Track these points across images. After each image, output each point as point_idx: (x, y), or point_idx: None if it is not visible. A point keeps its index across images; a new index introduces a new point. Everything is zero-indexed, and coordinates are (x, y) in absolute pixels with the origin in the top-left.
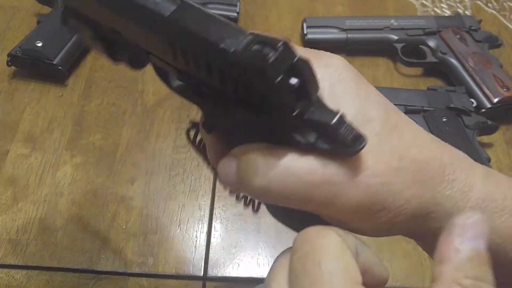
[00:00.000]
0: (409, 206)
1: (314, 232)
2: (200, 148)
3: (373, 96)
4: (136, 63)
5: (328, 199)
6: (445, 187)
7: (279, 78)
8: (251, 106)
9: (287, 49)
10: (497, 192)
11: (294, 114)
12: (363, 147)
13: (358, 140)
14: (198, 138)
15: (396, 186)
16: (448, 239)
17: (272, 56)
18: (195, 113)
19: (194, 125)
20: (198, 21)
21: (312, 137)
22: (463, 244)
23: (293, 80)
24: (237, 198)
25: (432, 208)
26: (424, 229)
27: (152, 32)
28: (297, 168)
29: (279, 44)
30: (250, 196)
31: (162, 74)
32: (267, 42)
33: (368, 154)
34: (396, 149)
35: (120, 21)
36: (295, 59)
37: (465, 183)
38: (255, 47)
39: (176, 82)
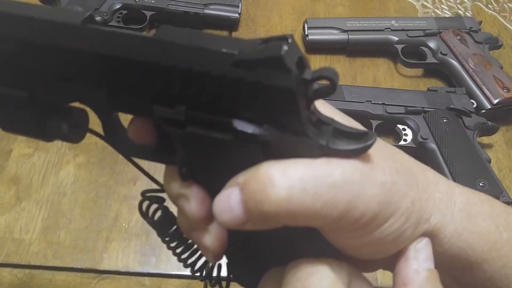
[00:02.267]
0: (415, 209)
1: (306, 268)
2: (155, 221)
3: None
4: (76, 131)
5: (351, 201)
6: (433, 189)
7: (294, 68)
8: (252, 121)
9: (295, 43)
10: (473, 196)
11: (304, 115)
12: (375, 140)
13: (368, 134)
14: (151, 210)
15: (401, 186)
16: (406, 263)
17: (285, 46)
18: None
19: (146, 197)
20: (186, 37)
21: (323, 140)
22: (420, 266)
23: (306, 74)
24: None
25: (430, 210)
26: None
27: (142, 58)
28: (315, 171)
29: (288, 37)
30: (261, 224)
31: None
32: (274, 38)
33: (373, 156)
34: (389, 154)
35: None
36: (300, 54)
37: (448, 186)
38: (263, 45)
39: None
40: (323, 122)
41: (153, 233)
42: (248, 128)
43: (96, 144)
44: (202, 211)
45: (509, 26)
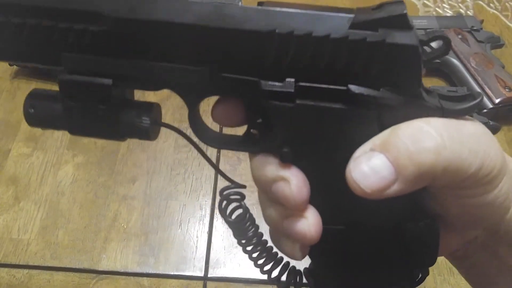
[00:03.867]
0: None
1: None
2: (232, 221)
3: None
4: (154, 126)
5: (487, 150)
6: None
7: (414, 27)
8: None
9: None
10: None
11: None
12: (482, 97)
13: (472, 94)
14: (229, 209)
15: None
16: None
17: (404, 6)
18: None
19: (225, 196)
20: (296, 7)
21: (437, 102)
22: None
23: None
24: None
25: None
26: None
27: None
28: (452, 122)
29: (402, 0)
30: (409, 182)
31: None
32: (388, 3)
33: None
34: None
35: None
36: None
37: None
38: (377, 9)
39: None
40: (427, 89)
41: (152, 234)
42: (366, 91)
43: (95, 144)
44: (304, 193)
45: (511, 25)
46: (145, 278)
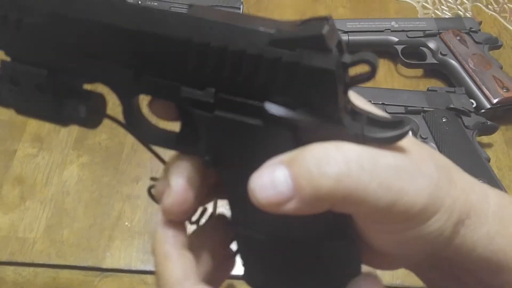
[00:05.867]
0: (455, 208)
1: None
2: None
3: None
4: (94, 115)
5: (404, 187)
6: (470, 190)
7: (334, 49)
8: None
9: (334, 25)
10: (504, 198)
11: (341, 101)
12: (410, 127)
13: (403, 122)
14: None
15: (445, 183)
16: None
17: (326, 26)
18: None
19: (153, 180)
20: (221, 16)
21: (358, 129)
22: None
23: (345, 58)
24: None
25: (467, 211)
26: (458, 243)
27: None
28: (370, 150)
29: (328, 18)
30: (305, 204)
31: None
32: (313, 19)
33: (417, 150)
34: (428, 151)
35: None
36: (339, 38)
37: (481, 188)
38: (302, 26)
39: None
40: (356, 112)
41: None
42: (280, 111)
43: (100, 144)
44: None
45: (509, 27)
46: (148, 275)
